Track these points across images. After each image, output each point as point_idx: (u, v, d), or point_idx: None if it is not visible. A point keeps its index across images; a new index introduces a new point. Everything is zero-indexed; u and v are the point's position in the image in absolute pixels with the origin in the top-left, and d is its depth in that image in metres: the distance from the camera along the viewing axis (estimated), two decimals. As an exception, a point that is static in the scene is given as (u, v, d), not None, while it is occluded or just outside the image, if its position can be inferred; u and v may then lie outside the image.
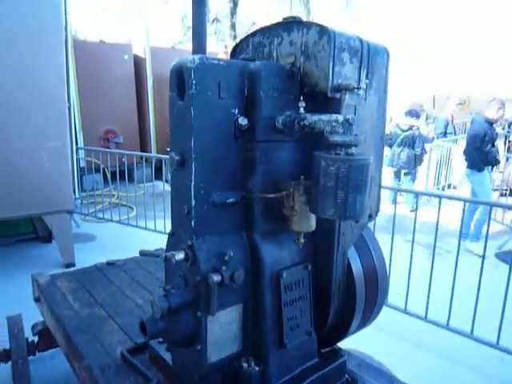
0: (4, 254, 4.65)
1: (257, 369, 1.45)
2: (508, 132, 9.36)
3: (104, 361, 1.77)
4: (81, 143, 7.27)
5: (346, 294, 1.62)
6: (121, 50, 8.19)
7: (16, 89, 3.73)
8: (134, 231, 5.43)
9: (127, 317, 2.15)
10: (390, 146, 7.11)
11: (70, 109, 4.58)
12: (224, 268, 1.32)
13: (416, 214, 3.64)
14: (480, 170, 5.37)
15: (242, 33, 14.16)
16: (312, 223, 1.43)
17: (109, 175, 6.72)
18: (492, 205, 3.72)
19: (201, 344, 1.38)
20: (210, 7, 15.44)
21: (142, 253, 1.52)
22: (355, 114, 1.44)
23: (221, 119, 1.37)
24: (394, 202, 4.31)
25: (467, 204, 3.92)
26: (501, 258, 5.06)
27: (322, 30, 1.39)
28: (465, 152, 5.66)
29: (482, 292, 3.15)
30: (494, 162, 5.61)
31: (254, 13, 15.97)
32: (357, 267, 1.62)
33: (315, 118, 1.32)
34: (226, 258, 1.35)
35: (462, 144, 8.80)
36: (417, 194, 4.21)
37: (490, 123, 5.35)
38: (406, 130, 7.02)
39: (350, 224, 1.57)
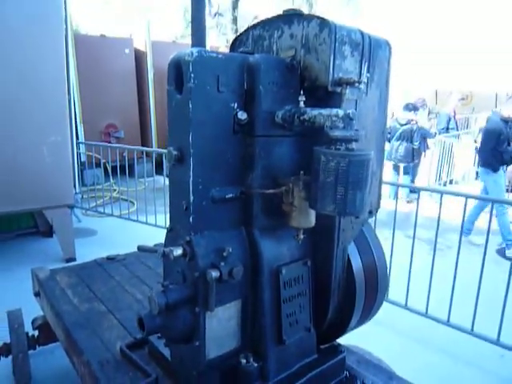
0: (4, 249, 4.66)
1: (255, 365, 1.45)
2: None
3: (103, 356, 1.77)
4: (82, 138, 7.26)
5: (345, 290, 1.61)
6: (122, 44, 8.15)
7: (17, 84, 3.72)
8: (134, 226, 5.43)
9: (127, 312, 2.14)
10: (389, 140, 7.10)
11: (70, 102, 4.56)
12: (222, 264, 1.31)
13: (417, 210, 3.63)
14: (495, 170, 5.20)
15: (243, 27, 14.07)
16: (311, 219, 1.42)
17: (110, 170, 6.71)
18: (493, 201, 3.73)
19: (199, 340, 1.38)
20: (212, 1, 15.37)
21: (141, 248, 1.51)
22: (356, 109, 1.42)
23: (219, 113, 1.35)
24: (396, 197, 4.30)
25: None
26: (502, 254, 5.05)
27: (323, 23, 1.37)
28: (479, 151, 5.55)
29: (483, 288, 3.14)
30: (510, 162, 5.38)
31: (256, 7, 15.90)
32: (357, 263, 1.61)
33: (315, 112, 1.30)
34: (225, 254, 1.33)
35: (464, 139, 8.79)
36: (418, 190, 4.19)
37: (506, 121, 5.17)
38: (405, 124, 7.02)
39: (350, 220, 1.55)
